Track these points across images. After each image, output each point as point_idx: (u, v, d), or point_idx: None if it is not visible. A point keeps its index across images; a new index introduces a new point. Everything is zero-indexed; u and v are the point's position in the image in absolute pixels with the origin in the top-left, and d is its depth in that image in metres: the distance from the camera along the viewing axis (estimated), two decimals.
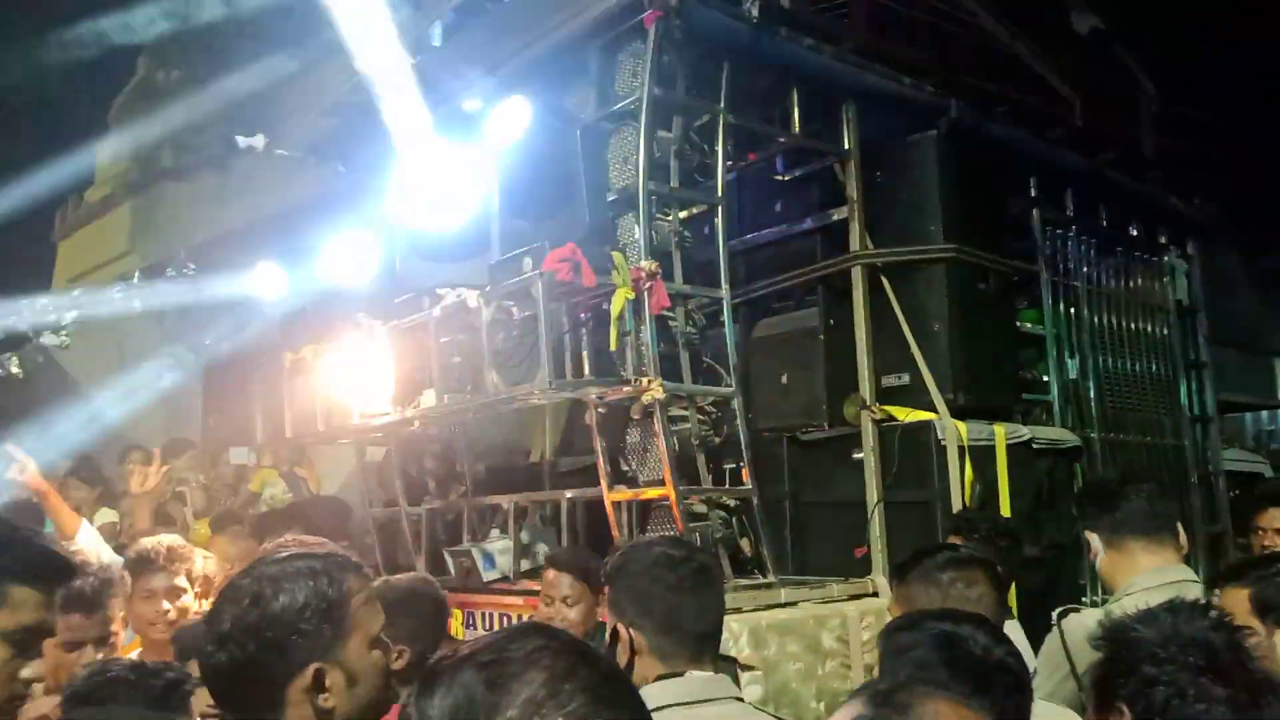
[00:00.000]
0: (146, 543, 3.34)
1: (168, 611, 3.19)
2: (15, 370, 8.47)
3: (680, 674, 1.98)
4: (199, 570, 3.38)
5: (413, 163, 4.50)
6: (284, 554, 1.64)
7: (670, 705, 1.94)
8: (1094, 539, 2.64)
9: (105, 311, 8.88)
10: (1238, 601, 2.14)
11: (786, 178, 5.23)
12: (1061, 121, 6.47)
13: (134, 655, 3.43)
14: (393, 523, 5.58)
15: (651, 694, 1.97)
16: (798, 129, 4.77)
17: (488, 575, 4.80)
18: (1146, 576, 2.47)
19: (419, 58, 4.78)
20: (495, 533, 5.02)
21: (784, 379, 4.97)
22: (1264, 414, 14.59)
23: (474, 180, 4.27)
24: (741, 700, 2.08)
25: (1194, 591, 2.29)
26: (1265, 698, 1.57)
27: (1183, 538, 2.61)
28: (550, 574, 3.64)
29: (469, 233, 4.43)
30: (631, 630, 2.04)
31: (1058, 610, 2.64)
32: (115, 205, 10.54)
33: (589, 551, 3.86)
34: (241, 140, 5.52)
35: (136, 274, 8.82)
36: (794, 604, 4.04)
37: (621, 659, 2.02)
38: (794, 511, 4.85)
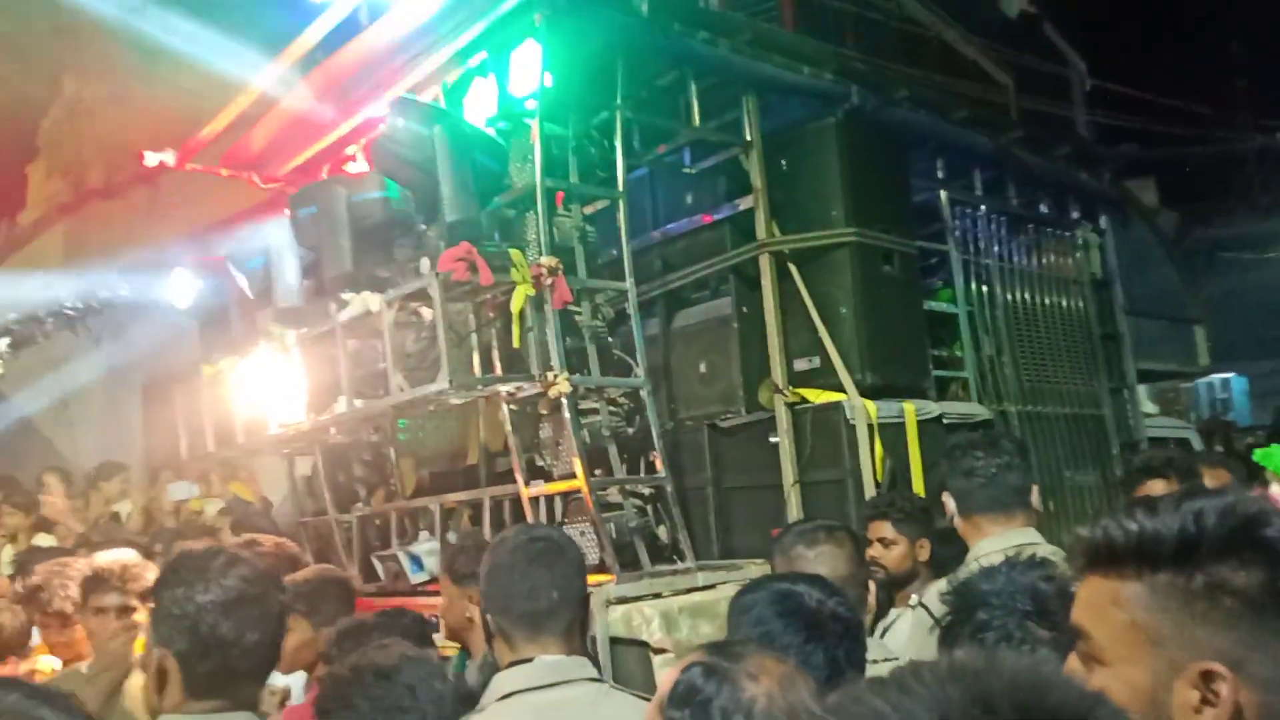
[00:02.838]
0: (102, 560, 3.37)
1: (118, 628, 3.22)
2: None
3: (529, 660, 2.02)
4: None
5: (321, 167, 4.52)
6: None
7: (518, 692, 1.97)
8: (949, 502, 2.72)
9: (39, 335, 8.80)
10: None
11: (695, 170, 5.29)
12: (976, 103, 6.60)
13: (44, 658, 3.49)
14: (321, 531, 5.58)
15: (500, 682, 2.02)
16: (698, 121, 4.83)
17: (416, 577, 4.82)
18: (990, 541, 2.55)
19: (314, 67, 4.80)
20: (424, 535, 5.04)
21: (702, 368, 5.03)
22: (1217, 381, 14.92)
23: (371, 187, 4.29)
24: (599, 680, 2.12)
25: (1040, 552, 2.37)
26: None
27: (1036, 505, 2.69)
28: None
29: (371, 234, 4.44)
30: (486, 615, 2.10)
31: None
32: (47, 228, 10.41)
33: (461, 548, 3.89)
34: (151, 157, 5.48)
35: (69, 298, 8.75)
36: (711, 587, 4.10)
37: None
38: (717, 497, 4.92)
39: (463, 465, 5.93)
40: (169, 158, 5.53)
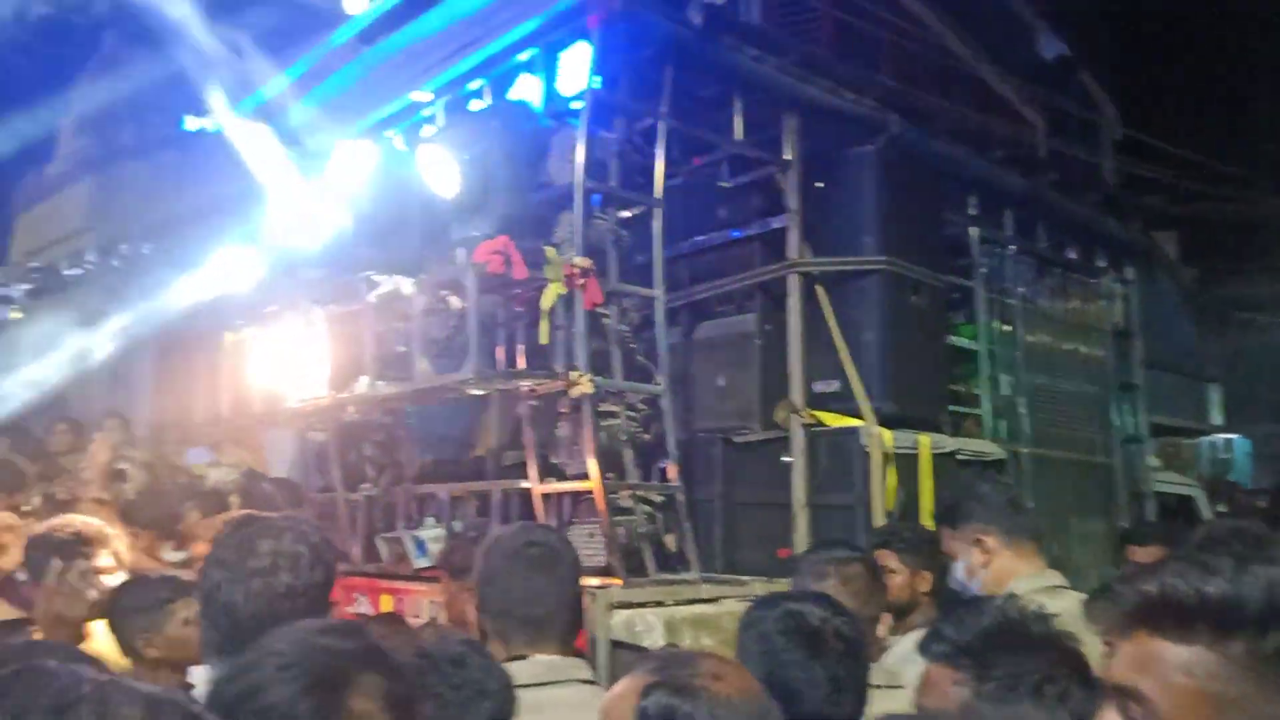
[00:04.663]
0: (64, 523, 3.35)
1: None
2: None
3: (524, 657, 2.04)
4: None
5: (355, 151, 4.55)
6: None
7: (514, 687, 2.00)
8: (988, 536, 2.75)
9: (59, 286, 8.85)
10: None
11: (730, 184, 5.31)
12: (1007, 142, 6.62)
13: None
14: (329, 507, 5.60)
15: None
16: (740, 136, 4.86)
17: (419, 562, 4.83)
18: (1027, 581, 2.57)
19: (369, 46, 4.83)
20: (430, 520, 5.05)
21: (721, 381, 5.05)
22: (1220, 440, 14.93)
23: (415, 168, 4.31)
24: (593, 683, 2.14)
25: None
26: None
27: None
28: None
29: (410, 220, 4.47)
30: (480, 615, 2.13)
31: None
32: (74, 181, 10.45)
33: (458, 544, 3.92)
34: (191, 121, 5.52)
35: (93, 250, 8.79)
36: (714, 600, 4.12)
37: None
38: (725, 511, 4.93)
39: (469, 455, 5.95)
40: (208, 123, 5.56)
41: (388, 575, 4.84)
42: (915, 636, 2.90)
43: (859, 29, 6.93)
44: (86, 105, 10.20)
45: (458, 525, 4.87)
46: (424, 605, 4.74)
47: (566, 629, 2.10)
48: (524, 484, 4.45)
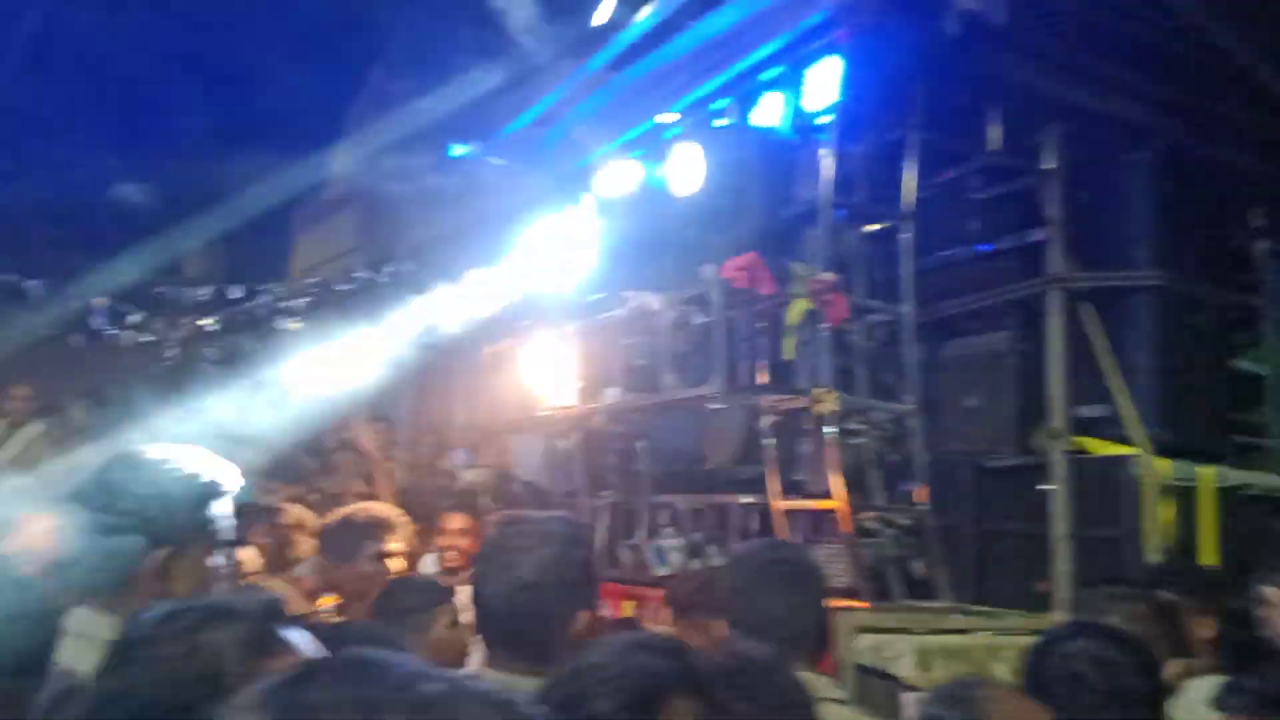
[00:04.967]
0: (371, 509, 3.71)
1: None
2: (252, 349, 9.46)
3: None
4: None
5: (608, 174, 4.73)
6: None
7: None
8: None
9: (332, 300, 9.77)
10: None
11: (982, 196, 5.08)
12: None
13: None
14: (574, 512, 5.83)
15: None
16: (996, 146, 4.65)
17: (659, 570, 4.94)
18: None
19: (616, 72, 5.02)
20: (669, 531, 5.15)
21: (971, 402, 4.83)
22: None
23: (663, 187, 4.43)
24: (844, 703, 2.09)
25: None
26: None
27: None
28: None
29: (655, 238, 4.60)
30: (719, 631, 2.13)
31: None
32: (344, 205, 11.50)
33: (687, 580, 3.91)
34: (454, 149, 5.93)
35: (361, 268, 9.65)
36: (966, 631, 3.94)
37: None
38: (974, 538, 4.71)
39: (699, 467, 6.01)
40: (470, 150, 5.96)
41: (628, 581, 4.97)
42: (1201, 686, 2.65)
43: (1114, 29, 6.46)
44: (357, 135, 11.23)
45: (696, 537, 4.94)
46: (663, 612, 4.84)
47: (815, 648, 2.07)
48: (763, 500, 4.45)
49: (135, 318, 8.68)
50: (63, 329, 8.15)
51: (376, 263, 9.49)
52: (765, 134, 4.49)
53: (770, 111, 4.53)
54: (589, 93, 5.27)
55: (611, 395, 4.68)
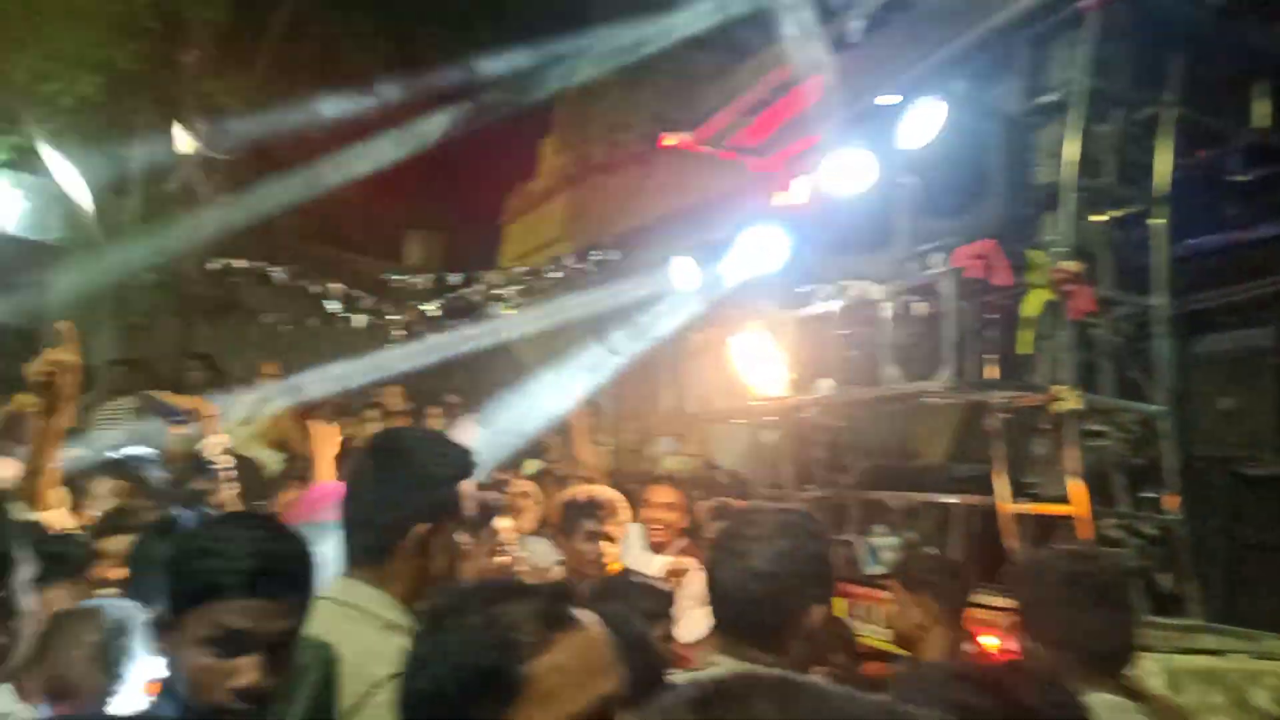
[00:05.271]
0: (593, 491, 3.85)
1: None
2: (469, 333, 9.95)
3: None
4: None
5: (827, 158, 4.61)
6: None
7: None
8: None
9: (542, 288, 10.14)
10: None
11: (1243, 178, 4.61)
12: None
13: None
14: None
15: None
16: (1263, 124, 4.20)
17: (871, 569, 4.81)
18: None
19: (839, 54, 4.87)
20: (881, 529, 5.00)
21: (1226, 403, 4.43)
22: None
23: (886, 174, 4.28)
24: None
25: None
26: None
27: None
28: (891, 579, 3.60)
29: (875, 226, 4.45)
30: (1033, 645, 2.00)
31: None
32: (552, 196, 11.87)
33: (917, 555, 3.75)
34: (667, 138, 5.97)
35: (568, 257, 9.96)
36: (1220, 653, 3.61)
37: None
38: (1228, 552, 4.31)
39: (911, 463, 5.80)
40: (684, 138, 5.97)
41: (837, 579, 4.86)
42: None
43: None
44: (565, 126, 11.56)
45: (911, 535, 4.77)
46: (874, 611, 4.70)
47: (1123, 667, 1.93)
48: (986, 501, 4.23)
49: (366, 302, 9.32)
50: (302, 313, 8.85)
51: (583, 251, 9.77)
52: (1001, 112, 4.25)
53: (1008, 87, 4.28)
54: (809, 75, 5.15)
55: (825, 387, 4.58)
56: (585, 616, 1.20)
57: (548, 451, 6.70)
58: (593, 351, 6.49)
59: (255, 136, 8.88)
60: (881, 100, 4.83)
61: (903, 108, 4.51)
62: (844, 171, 4.43)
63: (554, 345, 7.95)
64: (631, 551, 4.41)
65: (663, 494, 4.73)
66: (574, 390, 5.81)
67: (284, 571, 1.51)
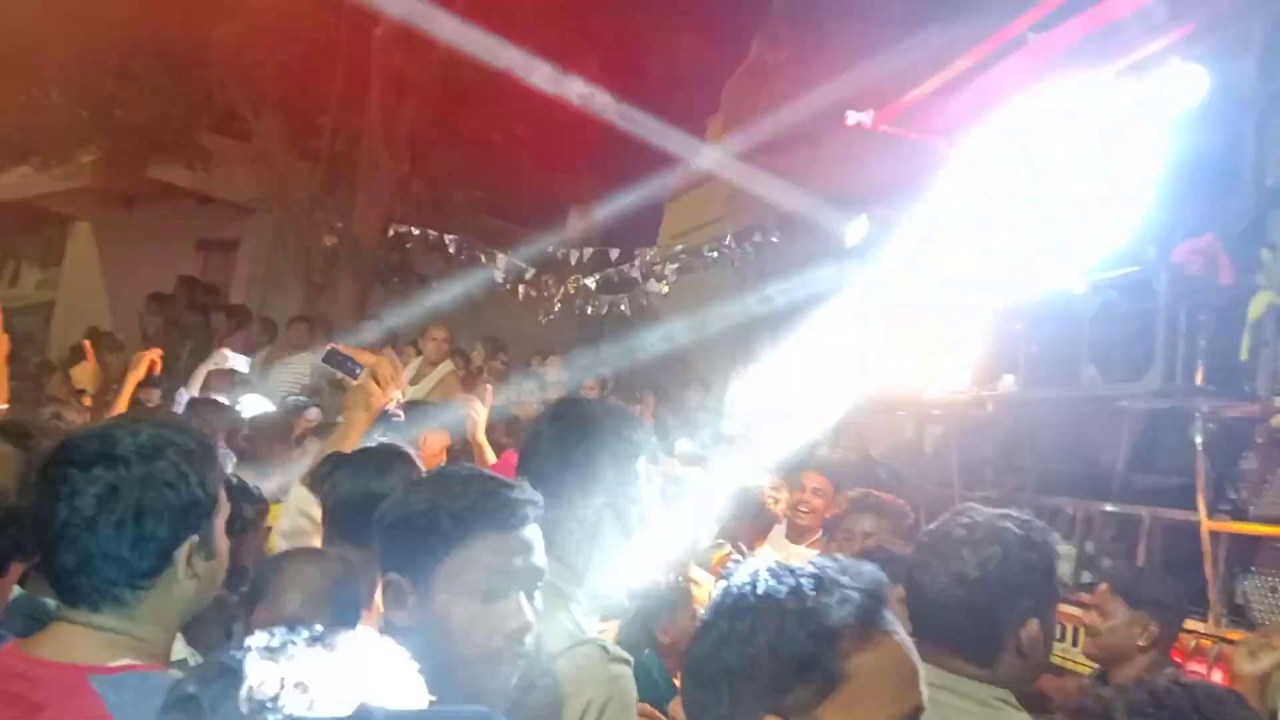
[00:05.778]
0: None
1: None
2: (624, 309, 10.02)
3: None
4: None
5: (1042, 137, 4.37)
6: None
7: None
8: None
9: (700, 266, 10.10)
10: None
11: None
12: None
13: None
14: (940, 504, 5.55)
15: None
16: None
17: None
18: None
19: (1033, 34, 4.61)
20: (1056, 536, 4.73)
21: None
22: None
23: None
24: None
25: None
26: None
27: None
28: (1103, 589, 3.36)
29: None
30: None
31: None
32: (714, 175, 11.77)
33: (1145, 572, 3.48)
34: (852, 116, 5.80)
35: (728, 237, 9.86)
36: None
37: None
38: None
39: (1090, 469, 5.46)
40: (867, 118, 5.79)
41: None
42: None
43: None
44: (734, 108, 11.44)
45: (1090, 547, 4.50)
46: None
47: None
48: (1181, 515, 3.93)
49: (529, 274, 9.50)
50: (469, 281, 9.09)
51: (745, 232, 9.65)
52: (1227, 102, 3.91)
53: (1243, 75, 3.94)
54: (1005, 56, 4.90)
55: (1009, 384, 4.36)
56: (894, 623, 1.15)
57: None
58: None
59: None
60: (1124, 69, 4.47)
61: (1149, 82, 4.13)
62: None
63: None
64: (774, 540, 4.33)
65: (813, 479, 4.64)
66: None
67: (530, 503, 1.45)
